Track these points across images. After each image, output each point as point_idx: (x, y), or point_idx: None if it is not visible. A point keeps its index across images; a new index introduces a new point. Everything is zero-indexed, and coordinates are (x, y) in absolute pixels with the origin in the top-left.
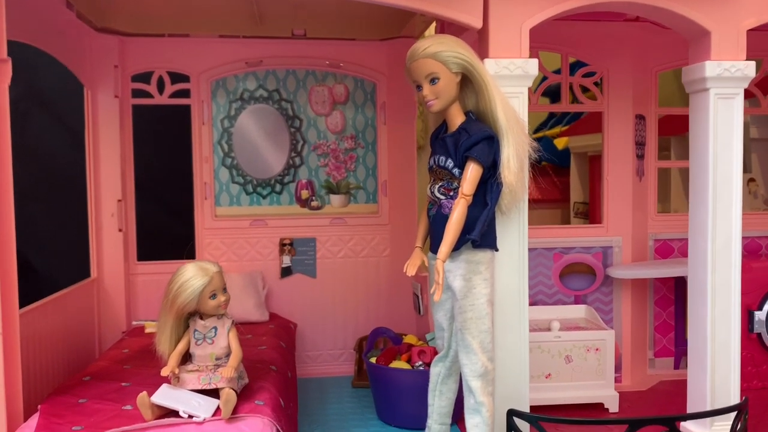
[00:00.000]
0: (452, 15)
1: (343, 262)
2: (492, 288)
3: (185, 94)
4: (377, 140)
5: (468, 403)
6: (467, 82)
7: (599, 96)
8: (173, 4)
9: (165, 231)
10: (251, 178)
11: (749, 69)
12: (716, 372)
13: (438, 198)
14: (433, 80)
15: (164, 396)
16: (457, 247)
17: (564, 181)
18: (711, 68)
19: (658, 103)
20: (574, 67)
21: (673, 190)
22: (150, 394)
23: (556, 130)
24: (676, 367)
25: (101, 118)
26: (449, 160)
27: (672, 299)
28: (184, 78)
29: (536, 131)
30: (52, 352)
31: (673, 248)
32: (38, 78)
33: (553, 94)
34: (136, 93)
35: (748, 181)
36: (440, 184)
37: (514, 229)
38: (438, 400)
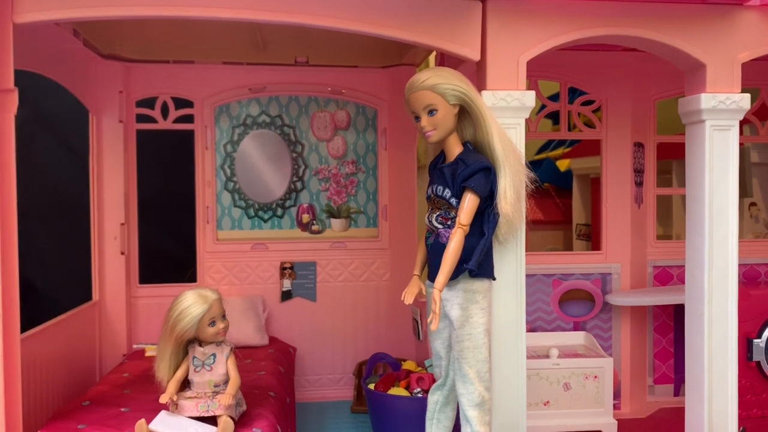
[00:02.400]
0: (451, 48)
1: (343, 286)
2: (489, 317)
3: (189, 119)
4: (378, 165)
5: None
6: (465, 113)
7: (598, 124)
8: (178, 32)
9: (167, 254)
10: (253, 202)
11: (744, 101)
12: (713, 401)
13: (436, 227)
14: (431, 112)
15: (162, 423)
16: (455, 276)
17: (566, 202)
18: (706, 100)
19: (660, 127)
20: (573, 93)
21: (675, 215)
22: (149, 420)
23: (559, 151)
24: (676, 394)
25: (106, 143)
26: (447, 190)
27: (671, 326)
28: (188, 103)
29: (539, 152)
30: (53, 375)
31: (672, 275)
32: (44, 101)
33: (555, 116)
34: (141, 118)
35: (750, 206)
36: (438, 213)
37: (512, 258)
38: (435, 428)
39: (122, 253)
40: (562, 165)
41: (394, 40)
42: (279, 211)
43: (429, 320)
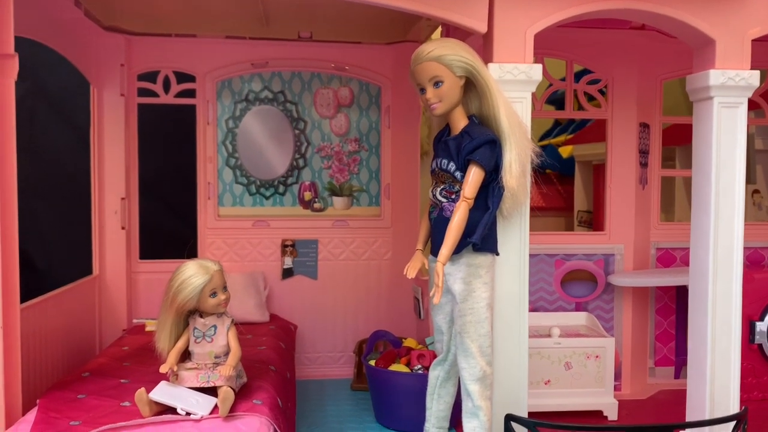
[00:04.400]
0: (457, 19)
1: (345, 264)
2: (492, 292)
3: (191, 93)
4: (381, 143)
5: (466, 406)
6: (471, 86)
7: (603, 103)
8: (180, 5)
9: (168, 230)
10: (255, 178)
11: (753, 78)
12: (716, 381)
13: (440, 201)
14: (437, 83)
15: (162, 393)
16: (458, 251)
17: (568, 189)
18: (715, 77)
19: (664, 112)
20: (580, 74)
21: (677, 200)
22: (149, 390)
23: (561, 138)
24: (677, 376)
25: (107, 116)
26: (451, 164)
27: (673, 308)
28: (190, 78)
29: (541, 139)
30: (53, 347)
31: (675, 257)
32: (46, 75)
33: (558, 102)
34: (142, 92)
35: (753, 193)
36: (442, 187)
37: (516, 233)
38: (436, 403)
39: (123, 228)
40: (565, 152)
41: (400, 10)
42: (281, 189)
43: (431, 293)
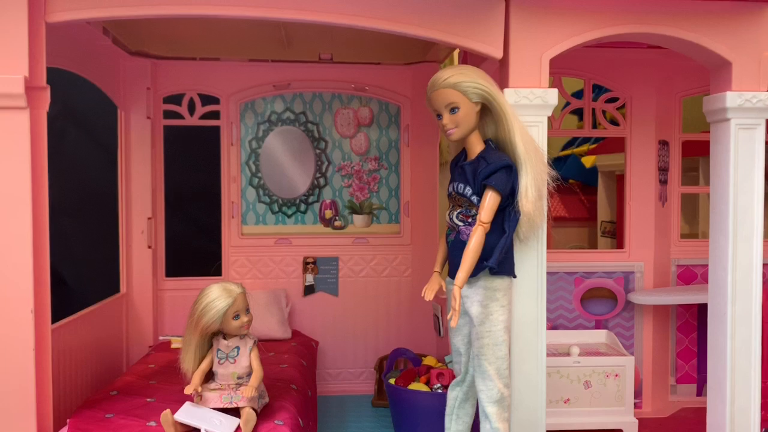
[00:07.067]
0: (473, 46)
1: (365, 281)
2: (509, 315)
3: (215, 115)
4: (400, 162)
5: (484, 428)
6: (487, 110)
7: (622, 121)
8: (204, 29)
9: (193, 248)
10: (277, 197)
11: None
12: (736, 403)
13: (456, 224)
14: (453, 110)
15: (187, 414)
16: (475, 274)
17: (591, 199)
18: (732, 99)
19: (686, 125)
20: (599, 90)
21: (701, 215)
22: (173, 411)
23: (585, 147)
24: (699, 393)
25: (133, 138)
26: (468, 188)
27: (695, 325)
28: (215, 100)
29: (564, 148)
30: (82, 365)
31: (696, 274)
32: (74, 97)
33: (581, 112)
34: (168, 114)
35: None
36: (459, 210)
37: (533, 255)
38: (455, 424)
39: (149, 247)
40: (588, 161)
41: (416, 38)
42: (302, 207)
43: (449, 317)
